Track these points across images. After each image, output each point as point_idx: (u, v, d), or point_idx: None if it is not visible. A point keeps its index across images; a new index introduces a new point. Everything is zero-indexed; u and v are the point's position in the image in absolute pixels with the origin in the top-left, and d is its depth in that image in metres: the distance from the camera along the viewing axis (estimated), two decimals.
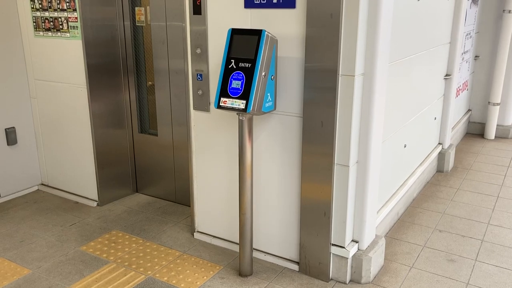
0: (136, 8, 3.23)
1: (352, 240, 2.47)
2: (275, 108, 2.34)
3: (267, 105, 2.25)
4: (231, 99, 2.18)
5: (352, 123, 2.21)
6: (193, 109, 2.70)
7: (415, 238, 2.92)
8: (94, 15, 3.12)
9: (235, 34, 2.21)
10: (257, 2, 2.30)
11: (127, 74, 3.39)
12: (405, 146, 3.15)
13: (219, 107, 2.22)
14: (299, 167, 2.39)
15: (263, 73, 2.16)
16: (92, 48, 3.13)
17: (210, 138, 2.68)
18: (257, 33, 2.15)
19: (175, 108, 3.23)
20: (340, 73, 2.16)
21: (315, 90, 2.22)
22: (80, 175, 3.48)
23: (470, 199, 3.51)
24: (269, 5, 2.27)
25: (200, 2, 2.50)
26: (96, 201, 3.42)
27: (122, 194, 3.57)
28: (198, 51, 2.57)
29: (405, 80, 2.93)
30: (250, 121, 2.28)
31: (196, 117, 2.71)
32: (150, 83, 3.35)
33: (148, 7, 3.18)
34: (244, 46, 2.18)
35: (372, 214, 2.51)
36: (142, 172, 3.60)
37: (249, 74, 2.15)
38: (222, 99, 2.21)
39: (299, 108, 2.32)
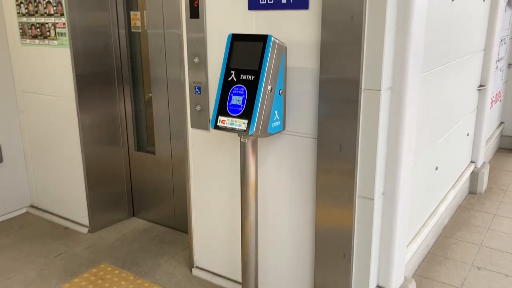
0: (132, 13, 2.89)
1: (377, 286, 2.06)
2: (284, 128, 1.96)
3: (274, 125, 1.87)
4: (230, 118, 1.81)
5: (377, 146, 1.82)
6: (191, 126, 2.34)
7: (450, 277, 2.50)
8: (84, 21, 2.79)
9: (236, 40, 1.85)
10: (263, 2, 1.93)
11: (122, 86, 3.05)
12: (436, 169, 2.73)
13: (216, 127, 1.85)
14: (313, 199, 2.00)
15: (269, 87, 1.79)
16: (81, 57, 2.80)
17: (210, 160, 2.31)
18: (262, 39, 1.77)
19: (174, 122, 2.87)
20: (362, 87, 1.77)
21: (332, 107, 1.84)
22: (70, 197, 3.13)
23: (510, 228, 3.06)
24: (277, 6, 1.90)
25: (197, 4, 2.14)
26: (87, 227, 3.07)
27: (117, 219, 3.21)
28: (196, 60, 2.21)
29: (437, 93, 2.52)
30: (254, 143, 1.91)
31: (194, 136, 2.35)
32: (148, 95, 3.01)
33: (144, 12, 2.84)
34: (247, 55, 1.81)
35: (401, 254, 2.10)
36: (139, 194, 3.25)
37: (252, 88, 1.77)
38: (220, 117, 1.84)
39: (312, 128, 1.94)
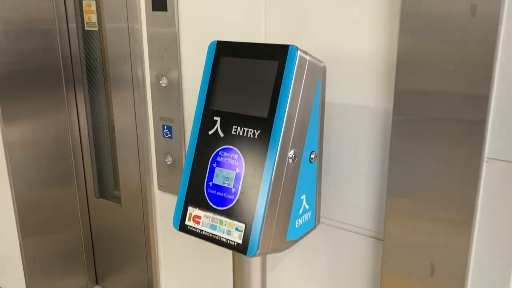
0: (84, 3, 1.97)
1: None
2: (317, 223, 1.03)
3: (299, 223, 0.94)
4: (210, 214, 0.89)
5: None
6: (158, 189, 1.43)
7: None
8: (13, 14, 1.88)
9: (225, 54, 0.92)
10: None
11: (75, 103, 2.13)
12: None
13: (182, 229, 0.92)
14: None
15: (291, 153, 0.86)
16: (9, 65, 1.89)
17: (188, 245, 1.40)
18: (278, 53, 0.85)
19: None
20: (486, 155, 0.83)
21: (417, 186, 0.90)
22: (6, 260, 2.24)
23: None
24: None
25: None
26: None
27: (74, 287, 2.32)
28: (164, 82, 1.29)
29: None
30: (261, 260, 0.98)
31: (163, 203, 1.44)
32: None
33: (102, 2, 1.92)
34: (246, 85, 0.89)
35: None
36: (103, 255, 2.35)
37: (256, 156, 0.85)
38: (191, 210, 0.91)
39: (374, 221, 1.01)
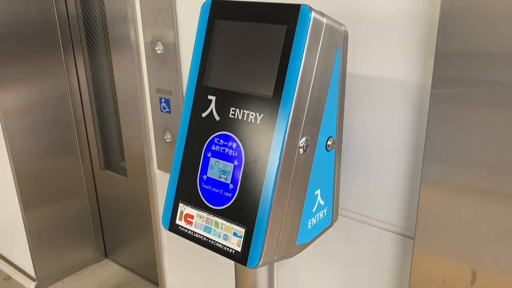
0: None
1: None
2: (334, 220, 0.87)
3: (311, 223, 0.78)
4: (205, 214, 0.73)
5: None
6: (158, 168, 1.28)
7: None
8: None
9: (221, 18, 0.74)
10: None
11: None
12: None
13: (172, 229, 0.77)
14: None
15: (303, 140, 0.69)
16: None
17: None
18: (286, 15, 0.67)
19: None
20: None
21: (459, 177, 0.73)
22: (10, 233, 2.17)
23: None
24: None
25: None
26: (33, 279, 2.11)
27: (82, 263, 2.24)
28: (159, 49, 1.12)
29: None
30: (267, 268, 0.83)
31: (165, 185, 1.30)
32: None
33: None
34: (247, 56, 0.71)
35: None
36: (112, 229, 2.25)
37: (259, 145, 0.69)
38: (182, 208, 0.76)
39: (402, 214, 0.85)
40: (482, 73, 0.67)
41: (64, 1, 1.86)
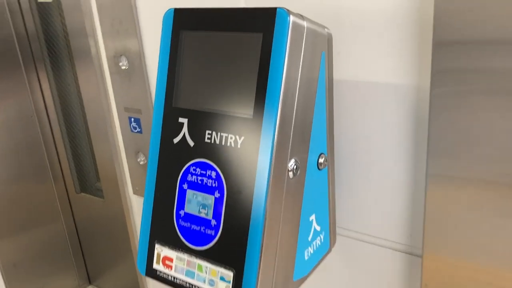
0: None
1: None
2: (333, 244, 0.78)
3: (309, 252, 0.69)
4: (183, 255, 0.64)
5: None
6: (134, 193, 1.18)
7: None
8: None
9: (186, 28, 0.64)
10: None
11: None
12: None
13: (149, 273, 0.67)
14: None
15: (292, 162, 0.60)
16: None
17: None
18: (262, 20, 0.57)
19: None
20: None
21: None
22: None
23: None
24: None
25: None
26: None
27: None
28: (123, 64, 1.02)
29: None
30: None
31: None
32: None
33: None
34: (220, 71, 0.62)
35: None
36: (93, 253, 2.13)
37: (242, 171, 0.59)
38: (159, 249, 0.66)
39: (406, 230, 0.77)
40: (487, 62, 0.59)
41: (21, 17, 1.74)
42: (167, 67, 0.65)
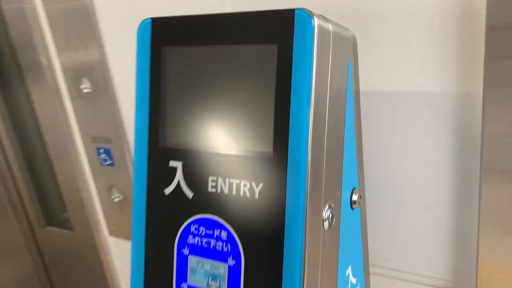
0: None
1: None
2: None
3: None
4: None
5: None
6: (110, 234, 1.01)
7: None
8: None
9: (169, 43, 0.48)
10: None
11: None
12: None
13: None
14: None
15: (327, 209, 0.45)
16: None
17: None
18: (275, 25, 0.42)
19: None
20: None
21: None
22: None
23: None
24: None
25: None
26: None
27: None
28: (86, 87, 0.85)
29: None
30: None
31: (122, 252, 1.02)
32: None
33: None
34: (220, 95, 0.46)
35: None
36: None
37: (265, 228, 0.44)
38: None
39: (452, 266, 0.63)
40: None
41: None
42: (148, 95, 0.49)
